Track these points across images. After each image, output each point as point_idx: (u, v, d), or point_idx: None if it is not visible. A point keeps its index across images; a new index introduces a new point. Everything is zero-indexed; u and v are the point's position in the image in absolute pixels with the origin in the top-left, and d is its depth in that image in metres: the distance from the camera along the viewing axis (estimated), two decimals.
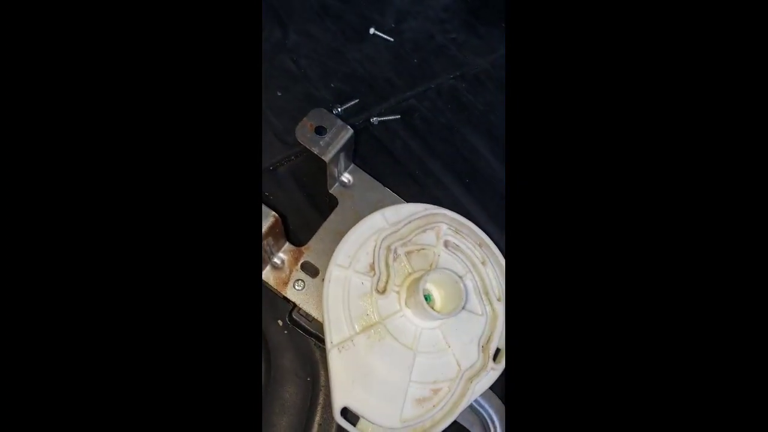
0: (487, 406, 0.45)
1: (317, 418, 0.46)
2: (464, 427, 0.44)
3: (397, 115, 0.63)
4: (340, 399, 0.40)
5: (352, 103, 0.61)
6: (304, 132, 0.44)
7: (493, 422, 0.44)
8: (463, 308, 0.44)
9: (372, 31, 0.69)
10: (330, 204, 0.51)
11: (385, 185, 0.54)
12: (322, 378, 0.47)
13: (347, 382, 0.41)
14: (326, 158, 0.44)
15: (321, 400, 0.47)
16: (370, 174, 0.54)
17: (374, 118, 0.61)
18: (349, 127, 0.45)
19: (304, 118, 0.45)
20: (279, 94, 0.61)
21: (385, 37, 0.69)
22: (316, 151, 0.44)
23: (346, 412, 0.41)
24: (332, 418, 0.45)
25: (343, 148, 0.45)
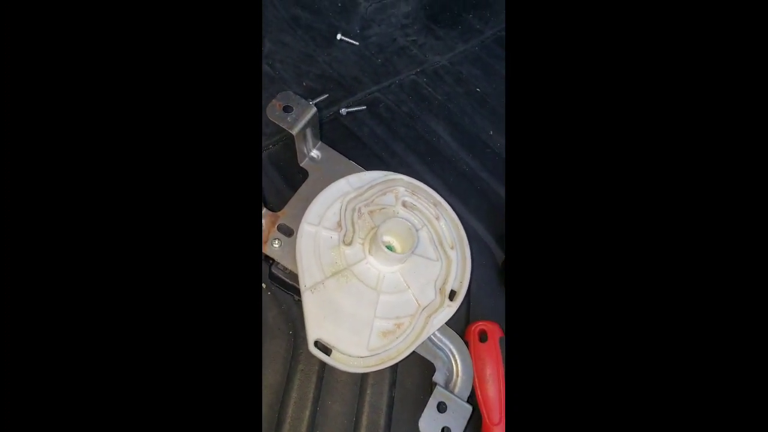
0: (447, 341, 0.50)
1: (300, 366, 0.52)
2: (428, 360, 0.50)
3: (364, 106, 0.70)
4: (313, 332, 0.46)
5: (323, 97, 0.69)
6: (273, 111, 0.51)
7: (453, 354, 0.50)
8: (419, 254, 0.51)
9: (339, 36, 0.77)
10: (302, 179, 0.58)
11: None
12: (302, 331, 0.53)
13: (319, 318, 0.47)
14: (294, 132, 0.51)
15: (302, 350, 0.53)
16: None
17: (343, 110, 0.69)
18: (312, 105, 0.53)
19: (273, 99, 0.52)
20: None
21: (351, 41, 0.77)
22: (284, 126, 0.51)
23: (318, 344, 0.47)
24: (313, 364, 0.51)
25: (309, 124, 0.52)
